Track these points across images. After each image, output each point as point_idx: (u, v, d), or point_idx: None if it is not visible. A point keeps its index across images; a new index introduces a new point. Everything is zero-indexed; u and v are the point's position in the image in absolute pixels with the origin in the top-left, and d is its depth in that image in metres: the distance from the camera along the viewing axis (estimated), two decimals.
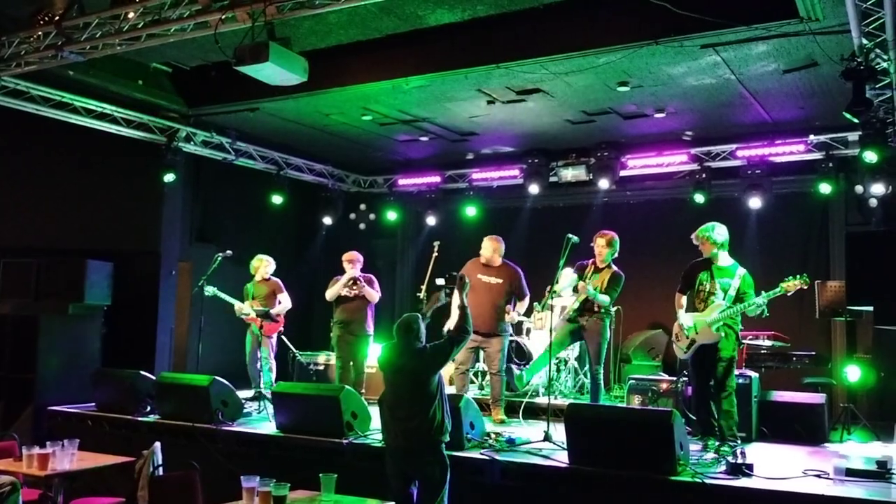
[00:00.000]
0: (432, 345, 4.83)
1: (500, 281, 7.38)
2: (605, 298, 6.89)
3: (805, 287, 5.80)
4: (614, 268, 7.03)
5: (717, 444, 5.91)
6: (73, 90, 8.08)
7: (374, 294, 8.10)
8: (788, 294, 5.85)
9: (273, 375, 8.34)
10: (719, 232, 6.19)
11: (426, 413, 4.61)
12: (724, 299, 6.01)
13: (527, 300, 7.51)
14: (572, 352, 8.50)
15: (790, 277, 5.82)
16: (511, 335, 7.62)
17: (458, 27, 6.99)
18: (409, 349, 4.75)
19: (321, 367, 9.24)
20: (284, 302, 8.46)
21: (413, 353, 4.74)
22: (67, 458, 5.06)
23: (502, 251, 7.55)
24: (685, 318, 6.22)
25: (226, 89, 8.37)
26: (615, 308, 8.85)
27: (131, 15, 6.05)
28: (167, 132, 9.13)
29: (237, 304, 8.22)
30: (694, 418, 6.47)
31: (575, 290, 7.20)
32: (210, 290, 8.05)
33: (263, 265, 8.48)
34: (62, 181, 9.52)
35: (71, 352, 8.17)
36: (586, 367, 8.59)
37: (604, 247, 6.97)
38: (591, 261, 7.13)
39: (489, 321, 7.28)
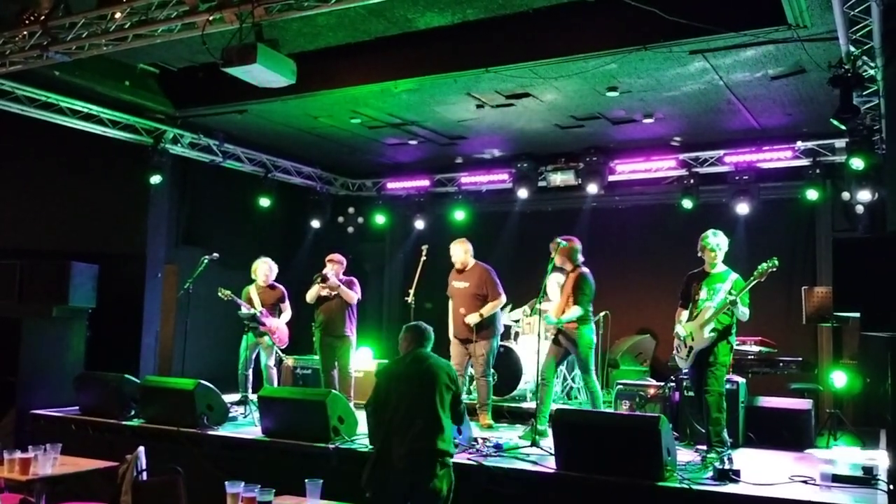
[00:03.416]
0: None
1: (468, 284, 7.37)
2: (572, 313, 6.66)
3: (775, 269, 5.81)
4: (581, 269, 6.86)
5: (712, 455, 5.82)
6: (59, 91, 8.01)
7: (351, 295, 7.99)
8: (762, 280, 5.86)
9: (275, 385, 8.28)
10: (722, 240, 6.19)
11: (442, 425, 4.53)
12: (714, 302, 6.00)
13: (499, 300, 7.35)
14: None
15: (760, 265, 5.85)
16: (496, 335, 7.46)
17: (447, 31, 6.97)
18: (428, 357, 4.68)
19: (308, 372, 9.19)
20: (286, 312, 8.41)
21: (436, 362, 4.67)
22: (50, 462, 4.98)
23: (470, 250, 7.50)
24: (681, 329, 6.20)
25: (213, 91, 8.32)
26: (602, 312, 8.89)
27: (118, 15, 6.00)
28: (154, 134, 9.06)
29: (246, 308, 8.10)
30: (697, 425, 6.47)
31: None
32: (226, 294, 7.97)
33: (266, 269, 8.40)
34: (47, 182, 9.44)
35: (54, 354, 8.07)
36: (575, 371, 8.61)
37: (556, 256, 6.88)
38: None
39: (463, 327, 7.30)
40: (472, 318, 7.23)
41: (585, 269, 6.87)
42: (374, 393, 4.72)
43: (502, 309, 8.47)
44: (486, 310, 7.27)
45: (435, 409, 4.52)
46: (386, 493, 4.51)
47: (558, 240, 6.89)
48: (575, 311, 6.68)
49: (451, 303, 7.54)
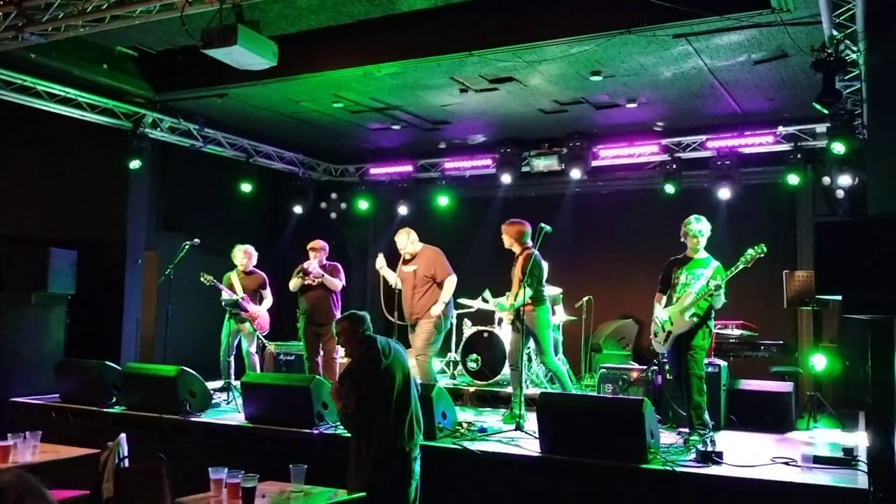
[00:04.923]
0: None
1: (415, 268, 7.37)
2: (523, 296, 6.64)
3: (762, 255, 5.87)
4: (528, 250, 6.83)
5: (695, 437, 5.89)
6: (36, 73, 7.85)
7: (335, 283, 7.97)
8: (749, 266, 5.91)
9: (257, 371, 8.24)
10: (706, 226, 6.27)
11: (414, 414, 4.55)
12: (695, 288, 6.06)
13: (449, 282, 7.27)
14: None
15: (748, 251, 5.90)
16: (444, 316, 7.33)
17: (431, 13, 6.92)
18: (388, 342, 4.63)
19: (291, 358, 9.15)
20: (268, 298, 8.37)
21: (394, 343, 4.65)
22: (29, 450, 4.94)
23: (413, 238, 7.48)
24: (661, 313, 6.25)
25: (193, 74, 8.21)
26: (585, 297, 8.93)
27: None
28: (133, 118, 8.93)
29: (228, 294, 8.04)
30: (677, 408, 6.54)
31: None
32: (209, 279, 7.90)
33: (245, 255, 8.33)
34: (25, 168, 9.29)
35: (34, 342, 7.98)
36: (559, 355, 8.63)
37: (504, 237, 6.93)
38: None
39: (409, 310, 7.34)
40: (437, 309, 7.19)
41: (534, 251, 6.80)
42: (358, 395, 4.47)
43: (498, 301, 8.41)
44: (446, 294, 7.25)
45: (411, 390, 4.59)
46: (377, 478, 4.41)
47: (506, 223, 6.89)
48: (524, 294, 6.64)
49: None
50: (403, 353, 4.71)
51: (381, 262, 7.45)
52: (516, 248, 6.95)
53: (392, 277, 7.42)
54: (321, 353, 8.02)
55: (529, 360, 8.55)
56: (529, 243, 6.91)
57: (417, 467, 4.57)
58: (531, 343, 7.19)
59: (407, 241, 7.44)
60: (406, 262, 7.47)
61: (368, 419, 4.48)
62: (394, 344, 4.68)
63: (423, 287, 7.30)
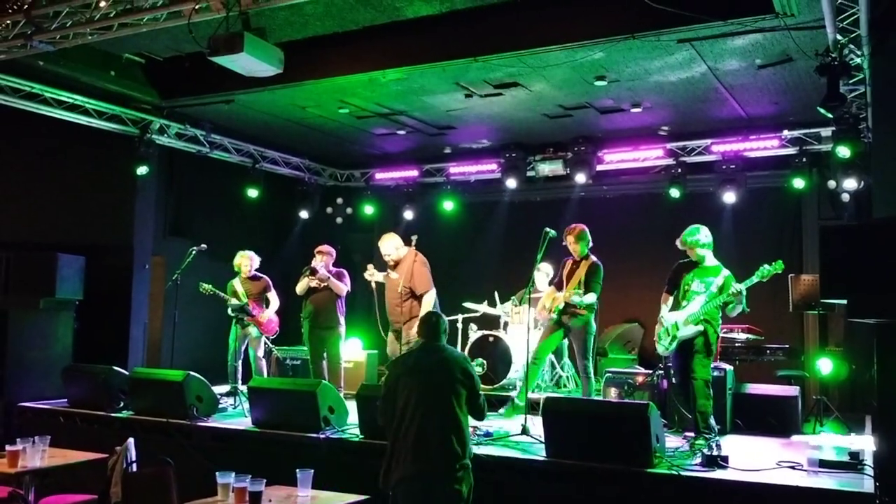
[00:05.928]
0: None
1: (398, 276, 7.32)
2: (590, 298, 6.77)
3: (779, 273, 5.88)
4: (592, 258, 6.97)
5: (700, 441, 5.89)
6: (44, 81, 7.93)
7: (340, 287, 7.97)
8: (764, 280, 5.91)
9: (264, 376, 8.27)
10: (704, 234, 6.26)
11: (457, 423, 4.25)
12: (704, 296, 6.06)
13: (427, 298, 7.16)
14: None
15: (765, 267, 5.89)
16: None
17: (435, 20, 6.95)
18: (441, 350, 4.48)
19: (298, 362, 9.18)
20: (274, 301, 8.40)
21: (450, 355, 4.48)
22: (38, 454, 4.98)
23: (397, 244, 7.44)
24: (668, 316, 6.25)
25: (200, 81, 8.27)
26: None
27: (103, 4, 5.94)
28: (140, 124, 8.99)
29: (233, 301, 8.10)
30: (683, 410, 6.54)
31: (553, 284, 7.20)
32: (207, 288, 7.94)
33: (247, 261, 8.38)
34: (33, 174, 9.37)
35: (42, 347, 8.03)
36: (564, 360, 8.64)
37: (574, 242, 6.96)
38: (569, 258, 7.12)
39: (394, 317, 7.32)
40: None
41: (596, 259, 6.94)
42: (385, 385, 4.49)
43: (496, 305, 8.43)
44: (423, 312, 6.99)
45: (449, 405, 4.24)
46: (400, 491, 4.24)
47: (570, 227, 6.95)
48: (591, 297, 6.77)
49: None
50: (448, 362, 4.40)
51: (370, 272, 7.42)
52: (583, 251, 6.97)
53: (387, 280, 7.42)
54: (326, 357, 8.04)
55: (553, 367, 8.58)
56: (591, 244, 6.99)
57: (456, 486, 4.18)
58: (565, 343, 7.19)
59: (391, 247, 7.39)
60: (391, 268, 7.45)
61: (387, 426, 4.40)
62: (442, 353, 4.46)
63: (405, 297, 7.24)
